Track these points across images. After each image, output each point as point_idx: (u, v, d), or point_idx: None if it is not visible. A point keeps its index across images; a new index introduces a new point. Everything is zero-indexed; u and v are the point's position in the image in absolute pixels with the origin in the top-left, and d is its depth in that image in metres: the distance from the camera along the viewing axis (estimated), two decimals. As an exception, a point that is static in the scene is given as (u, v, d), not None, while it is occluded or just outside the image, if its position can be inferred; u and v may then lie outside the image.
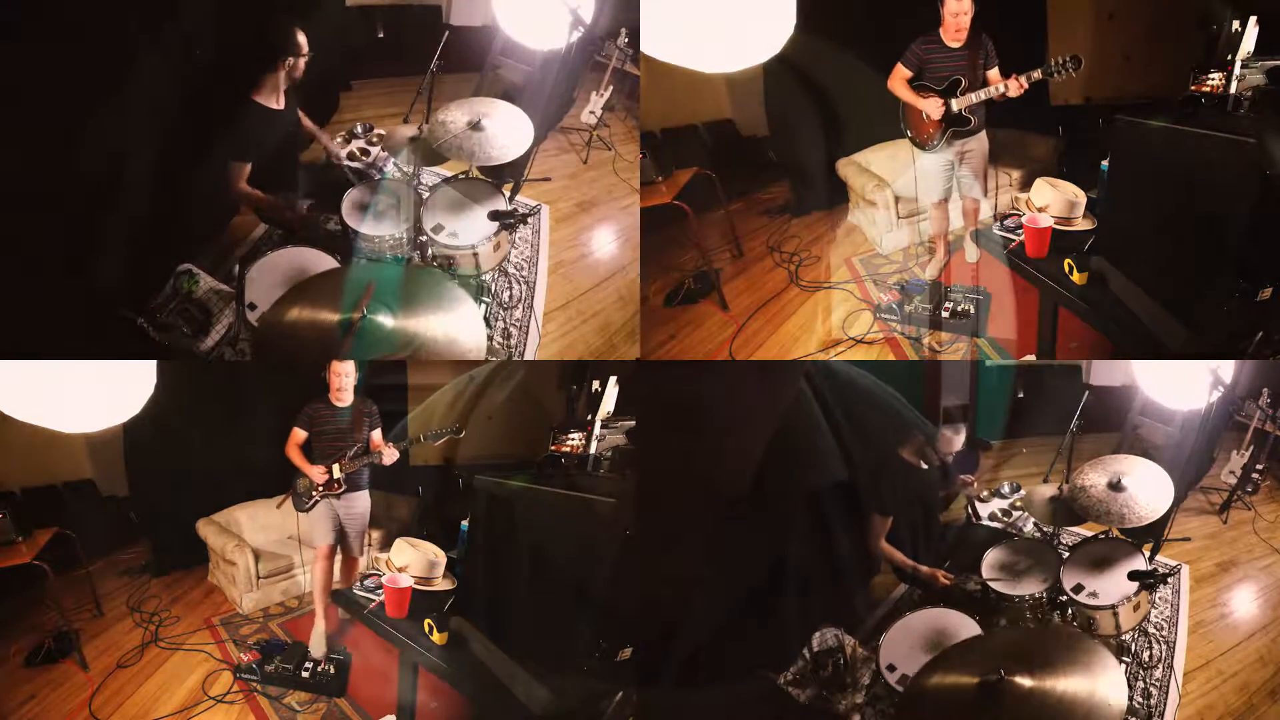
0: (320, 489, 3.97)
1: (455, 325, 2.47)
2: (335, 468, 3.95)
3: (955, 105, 3.72)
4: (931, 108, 3.78)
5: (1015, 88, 3.58)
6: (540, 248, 4.54)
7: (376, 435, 4.07)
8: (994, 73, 3.66)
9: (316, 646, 3.91)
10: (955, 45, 3.67)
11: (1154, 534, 3.21)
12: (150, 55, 3.07)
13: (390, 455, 4.00)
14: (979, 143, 3.89)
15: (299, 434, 3.98)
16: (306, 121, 3.74)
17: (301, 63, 3.42)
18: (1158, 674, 3.33)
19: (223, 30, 3.35)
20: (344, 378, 3.93)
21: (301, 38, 3.40)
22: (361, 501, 4.12)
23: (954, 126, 3.81)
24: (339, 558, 4.29)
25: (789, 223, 5.01)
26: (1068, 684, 2.11)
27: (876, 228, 4.67)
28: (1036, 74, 3.50)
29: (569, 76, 4.71)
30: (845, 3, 3.88)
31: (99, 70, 2.89)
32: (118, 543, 5.16)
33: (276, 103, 3.39)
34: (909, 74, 3.80)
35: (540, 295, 4.25)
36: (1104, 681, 2.10)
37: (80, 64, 2.83)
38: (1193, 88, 3.19)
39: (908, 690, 2.67)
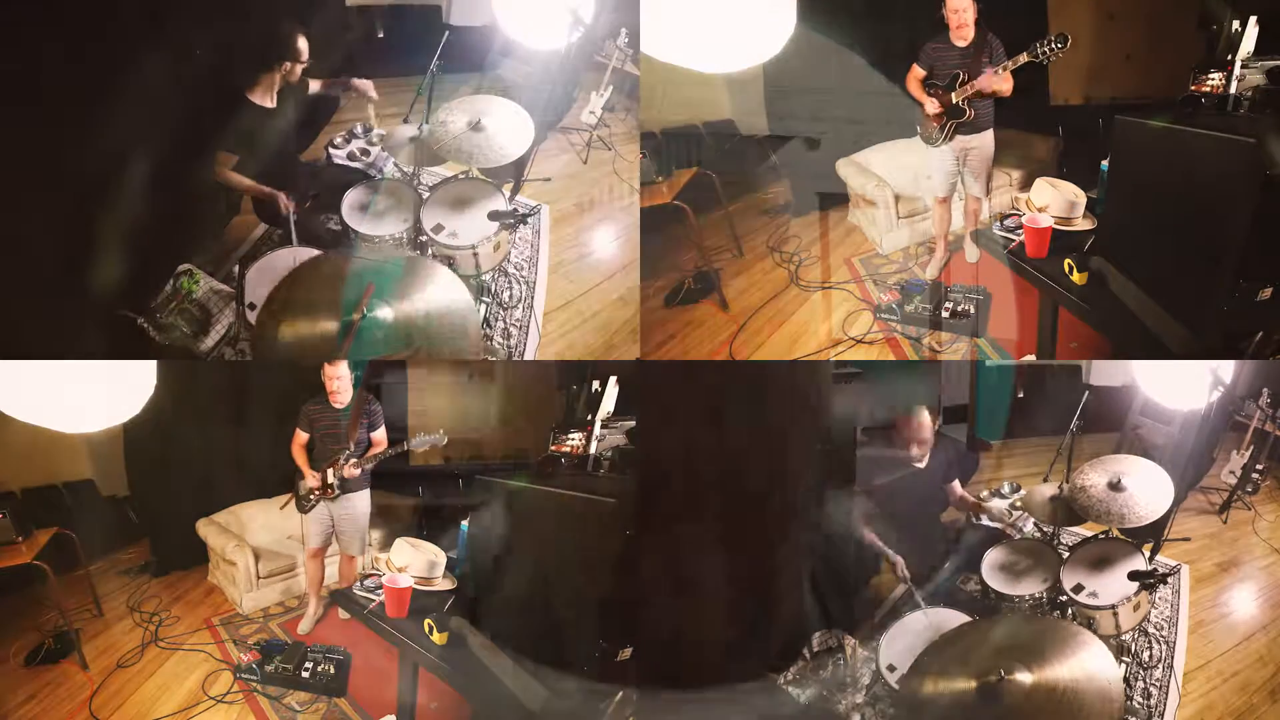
0: (316, 492, 3.98)
1: (451, 309, 2.47)
2: (329, 472, 3.95)
3: (954, 97, 3.76)
4: (930, 105, 3.83)
5: (990, 80, 3.63)
6: (540, 248, 4.54)
7: (378, 434, 4.06)
8: (993, 70, 3.67)
9: (304, 627, 4.27)
10: (961, 44, 3.72)
11: (1154, 534, 3.21)
12: (150, 54, 3.07)
13: (351, 473, 3.98)
14: (982, 141, 3.91)
15: (301, 435, 4.00)
16: (357, 83, 3.73)
17: (299, 69, 3.42)
18: (1158, 674, 3.33)
19: (222, 28, 3.35)
20: (338, 380, 3.92)
21: (304, 44, 3.39)
22: (357, 503, 4.11)
23: (952, 119, 3.84)
24: (338, 557, 4.30)
25: (789, 223, 5.01)
26: (1061, 672, 2.13)
27: (876, 228, 4.67)
28: (1023, 57, 3.51)
29: (569, 76, 4.71)
30: (846, 2, 3.89)
31: (99, 70, 2.88)
32: (118, 543, 5.16)
33: (269, 101, 3.39)
34: (923, 73, 3.87)
35: (540, 295, 4.25)
36: (1092, 662, 2.12)
37: (80, 63, 2.83)
38: (1193, 88, 3.18)
39: (903, 690, 2.67)
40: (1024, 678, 2.17)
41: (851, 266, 4.58)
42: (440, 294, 2.48)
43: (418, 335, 2.42)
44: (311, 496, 4.00)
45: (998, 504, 3.94)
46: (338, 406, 3.97)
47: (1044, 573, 3.17)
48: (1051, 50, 3.38)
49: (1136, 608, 2.94)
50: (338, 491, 4.00)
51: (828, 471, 3.35)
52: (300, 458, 4.01)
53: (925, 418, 3.45)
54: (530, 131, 3.43)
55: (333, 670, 3.68)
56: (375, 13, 5.29)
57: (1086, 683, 2.10)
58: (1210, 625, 3.69)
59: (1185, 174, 2.68)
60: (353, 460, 3.94)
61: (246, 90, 3.36)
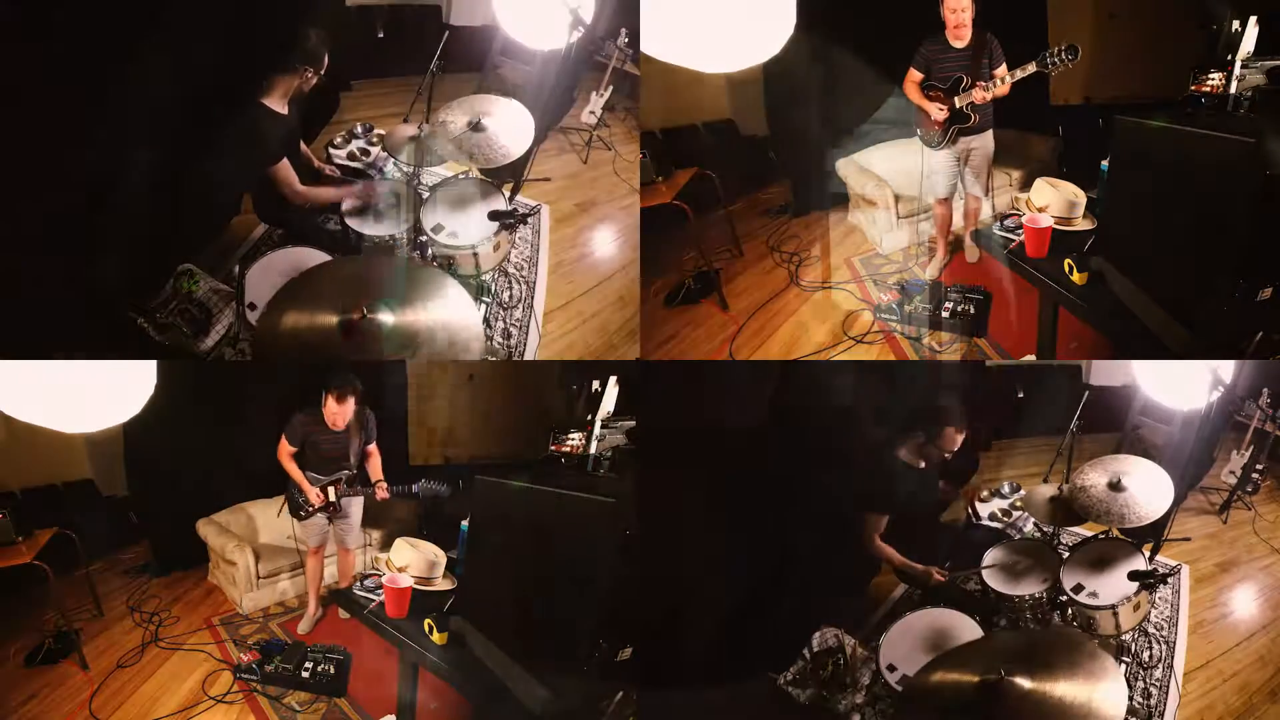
0: (317, 510, 3.95)
1: (455, 323, 2.47)
2: (330, 491, 3.90)
3: (958, 102, 3.75)
4: (934, 110, 3.83)
5: (1001, 88, 3.65)
6: (540, 248, 4.54)
7: (372, 448, 4.03)
8: (1001, 70, 3.68)
9: (304, 627, 4.27)
10: (959, 45, 3.72)
11: (1154, 534, 3.21)
12: (151, 53, 3.07)
13: (382, 495, 3.95)
14: (983, 142, 3.92)
15: (288, 446, 3.89)
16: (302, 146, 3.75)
17: (315, 78, 3.40)
18: (1158, 674, 3.33)
19: (232, 31, 3.34)
20: (341, 413, 3.82)
21: (325, 54, 3.37)
22: (355, 501, 4.11)
23: (956, 123, 3.84)
24: (336, 552, 4.29)
25: (789, 223, 5.01)
26: (1067, 688, 2.11)
27: (876, 228, 4.67)
28: (1031, 66, 3.51)
29: (569, 76, 4.71)
30: (846, 2, 3.89)
31: (99, 69, 2.88)
32: (118, 543, 5.16)
33: (282, 108, 3.39)
34: (920, 76, 3.86)
35: (540, 295, 4.25)
36: (1103, 688, 2.10)
37: (80, 62, 2.83)
38: (1193, 88, 3.19)
39: (907, 689, 2.67)
40: (1024, 681, 2.16)
41: (851, 266, 4.58)
42: (446, 322, 2.46)
43: (419, 341, 2.42)
44: (309, 508, 3.96)
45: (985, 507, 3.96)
46: (335, 430, 3.89)
47: (1044, 573, 3.17)
48: (1061, 61, 3.38)
49: (1136, 608, 2.94)
50: (340, 509, 3.97)
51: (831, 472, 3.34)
52: (293, 468, 3.90)
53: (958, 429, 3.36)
54: (530, 131, 3.42)
55: (333, 670, 3.68)
56: (375, 13, 5.30)
57: (1087, 703, 2.08)
58: (1210, 625, 3.69)
59: (1185, 174, 2.68)
60: (379, 487, 3.93)
61: (260, 96, 3.32)
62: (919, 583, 3.43)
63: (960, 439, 3.30)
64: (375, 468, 4.04)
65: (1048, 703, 2.08)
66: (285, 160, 3.36)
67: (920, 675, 2.52)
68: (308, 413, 3.87)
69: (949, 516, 4.08)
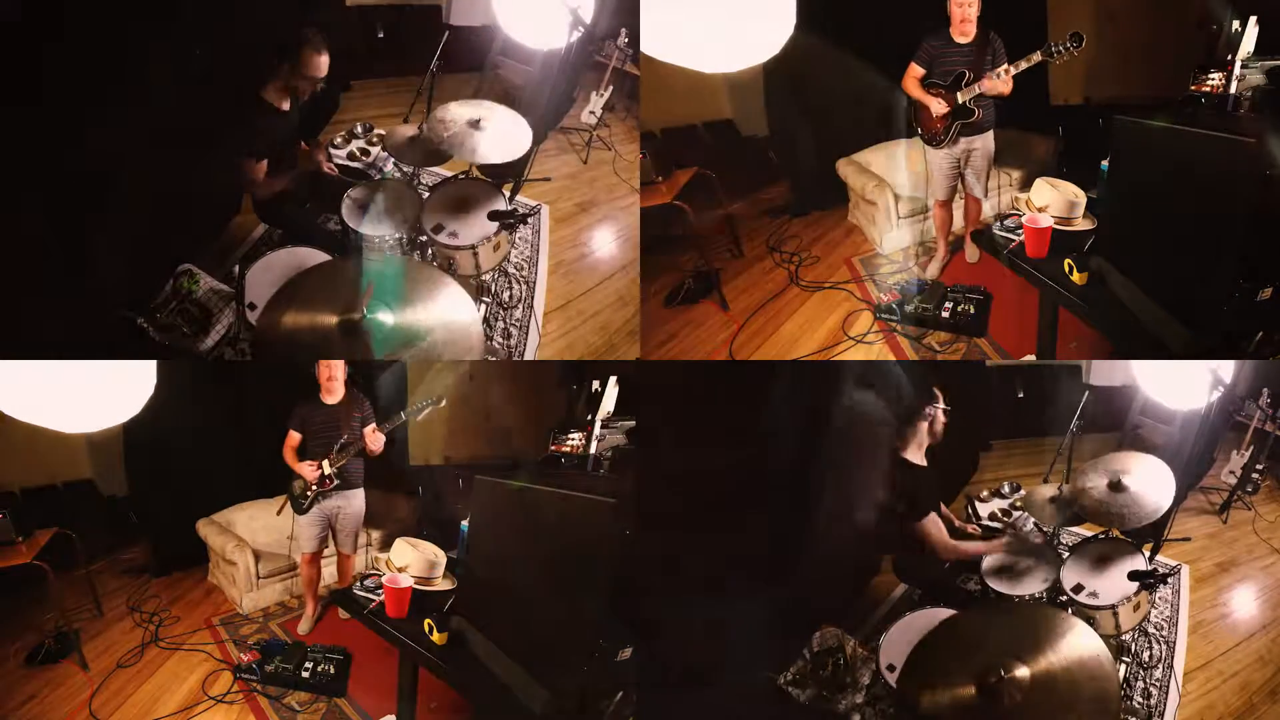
0: (314, 487, 3.96)
1: (455, 323, 2.47)
2: (325, 464, 3.93)
3: (960, 97, 3.75)
4: (936, 104, 3.82)
5: (1005, 81, 3.66)
6: (540, 248, 4.55)
7: (370, 429, 4.05)
8: (1003, 68, 3.68)
9: (304, 627, 4.31)
10: (963, 41, 3.72)
11: (1154, 534, 3.21)
12: (151, 53, 3.07)
13: (376, 441, 3.97)
14: (984, 142, 3.92)
15: (294, 436, 3.98)
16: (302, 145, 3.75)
17: (306, 85, 3.31)
18: (1158, 674, 3.33)
19: (231, 30, 3.34)
20: (333, 368, 3.92)
21: (323, 60, 3.27)
22: (355, 499, 4.11)
23: (959, 119, 3.84)
24: (335, 556, 4.29)
25: (789, 223, 5.02)
26: (1059, 658, 2.13)
27: (876, 228, 4.67)
28: (1037, 56, 3.51)
29: (569, 76, 4.71)
30: (846, 3, 3.89)
31: (100, 69, 2.88)
32: (118, 543, 5.17)
33: (283, 105, 3.38)
34: (921, 72, 3.86)
35: (540, 295, 4.25)
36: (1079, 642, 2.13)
37: (81, 62, 2.83)
38: (1193, 88, 3.19)
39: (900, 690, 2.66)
40: (1022, 673, 2.17)
41: (851, 266, 4.59)
42: (445, 310, 2.47)
43: (418, 341, 2.42)
44: (309, 493, 3.98)
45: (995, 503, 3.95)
46: (330, 402, 3.96)
47: (1044, 573, 3.17)
48: (1066, 50, 3.38)
49: (1136, 608, 2.94)
50: (336, 482, 3.99)
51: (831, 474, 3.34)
52: (292, 459, 3.98)
53: (941, 414, 3.37)
54: (526, 140, 3.41)
55: (333, 670, 3.68)
56: (375, 13, 5.31)
57: (1078, 668, 2.10)
58: (1210, 625, 3.70)
59: (1185, 174, 2.68)
60: (351, 449, 3.94)
61: (259, 91, 3.31)
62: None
63: (939, 415, 3.29)
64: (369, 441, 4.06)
65: (1050, 682, 2.10)
66: (263, 160, 3.36)
67: (908, 685, 2.50)
68: (305, 398, 3.98)
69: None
